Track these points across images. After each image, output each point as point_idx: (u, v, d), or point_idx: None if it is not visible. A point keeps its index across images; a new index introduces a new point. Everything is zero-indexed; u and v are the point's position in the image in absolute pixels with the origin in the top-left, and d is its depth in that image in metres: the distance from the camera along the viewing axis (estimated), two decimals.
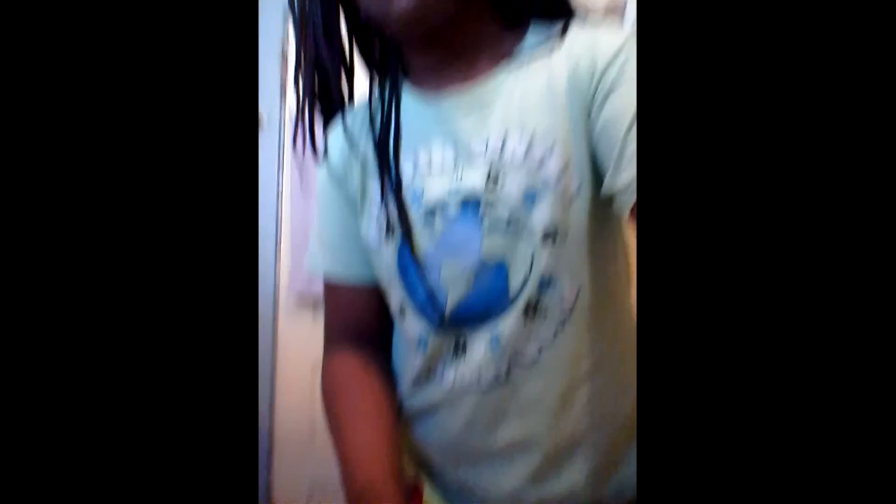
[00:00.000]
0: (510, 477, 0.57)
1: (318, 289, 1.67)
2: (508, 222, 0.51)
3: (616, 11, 1.26)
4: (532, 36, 0.54)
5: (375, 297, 0.61)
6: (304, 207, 1.51)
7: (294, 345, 1.56)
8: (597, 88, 0.48)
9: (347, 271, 0.61)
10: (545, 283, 0.52)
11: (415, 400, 0.60)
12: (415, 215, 0.54)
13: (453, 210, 0.53)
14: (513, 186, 0.51)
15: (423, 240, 0.54)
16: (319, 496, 1.53)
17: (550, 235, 0.51)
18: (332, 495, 1.70)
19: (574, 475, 0.57)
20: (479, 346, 0.54)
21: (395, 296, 0.58)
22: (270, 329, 1.55)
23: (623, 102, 0.46)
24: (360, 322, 0.62)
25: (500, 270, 0.53)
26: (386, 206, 0.55)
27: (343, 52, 0.58)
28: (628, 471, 0.59)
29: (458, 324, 0.55)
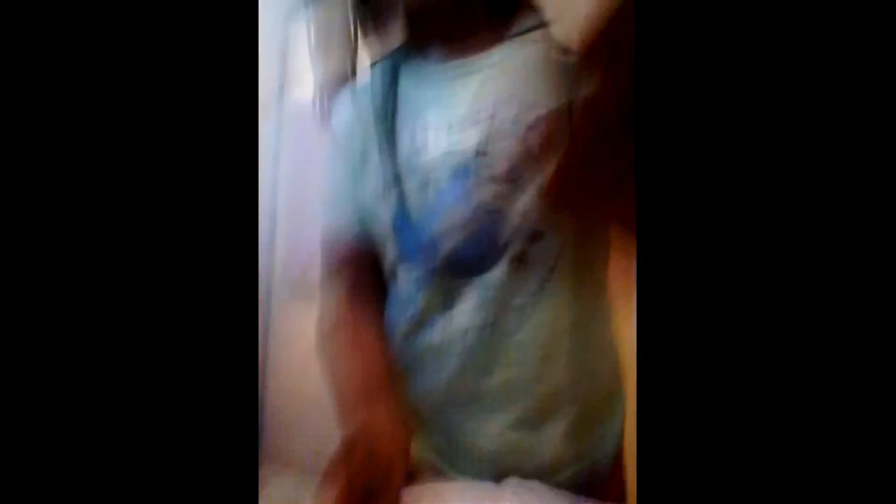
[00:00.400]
0: (495, 424, 0.61)
1: (313, 277, 1.66)
2: (499, 181, 0.57)
3: None
4: (523, 18, 0.60)
5: (373, 251, 0.65)
6: (300, 195, 1.52)
7: (287, 333, 1.57)
8: (577, 63, 0.53)
9: (346, 225, 0.65)
10: (534, 237, 0.57)
11: (408, 349, 0.64)
12: (412, 174, 0.59)
13: (448, 170, 0.58)
14: (504, 150, 0.56)
15: (419, 196, 0.59)
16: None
17: (540, 193, 0.56)
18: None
19: (556, 427, 0.61)
20: (470, 294, 0.59)
21: (391, 250, 0.62)
22: (265, 317, 1.56)
23: None
24: (357, 275, 0.66)
25: (491, 222, 0.57)
26: (384, 165, 0.60)
27: (352, 24, 0.65)
28: (606, 429, 0.64)
29: (449, 273, 0.59)
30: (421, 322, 0.62)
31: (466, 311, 0.59)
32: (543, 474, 0.60)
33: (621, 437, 0.66)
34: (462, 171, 0.57)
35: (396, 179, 0.59)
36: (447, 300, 0.60)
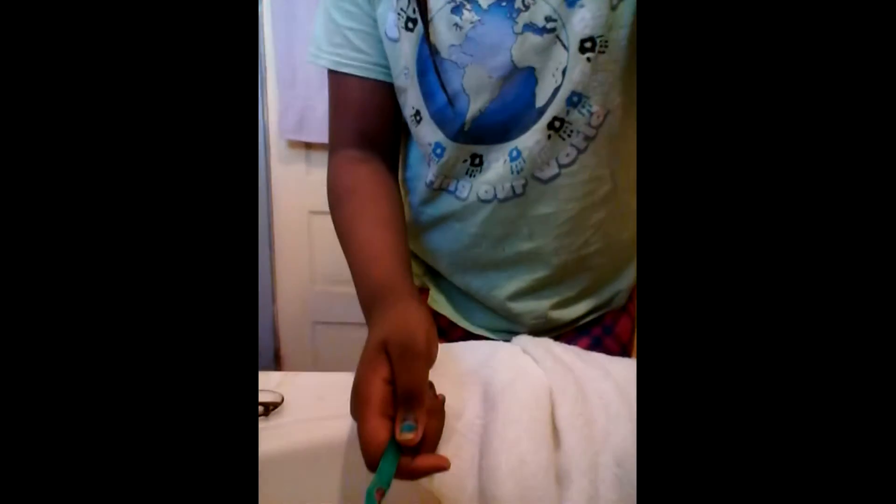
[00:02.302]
0: (513, 285, 0.59)
1: (309, 134, 1.61)
2: (546, 24, 0.47)
3: None
4: None
5: (388, 95, 0.55)
6: (288, 44, 1.40)
7: (288, 192, 1.55)
8: None
9: (358, 61, 0.54)
10: (575, 100, 0.49)
11: (426, 211, 0.59)
12: (441, 4, 0.48)
13: (485, 2, 0.47)
14: None
15: (448, 35, 0.48)
16: (322, 335, 1.64)
17: (589, 45, 0.47)
18: (334, 333, 1.80)
19: (572, 289, 0.60)
20: (498, 160, 0.52)
21: (412, 98, 0.53)
22: (264, 177, 1.52)
23: None
24: (369, 122, 0.56)
25: (528, 79, 0.49)
26: None
27: None
28: (622, 284, 0.62)
29: (477, 135, 0.52)
30: (440, 188, 0.56)
31: (491, 180, 0.53)
32: (559, 327, 0.61)
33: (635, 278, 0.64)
34: (503, 10, 0.47)
35: (423, 11, 0.48)
36: (471, 167, 0.53)
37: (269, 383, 0.54)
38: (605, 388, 0.44)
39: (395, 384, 0.36)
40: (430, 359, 0.37)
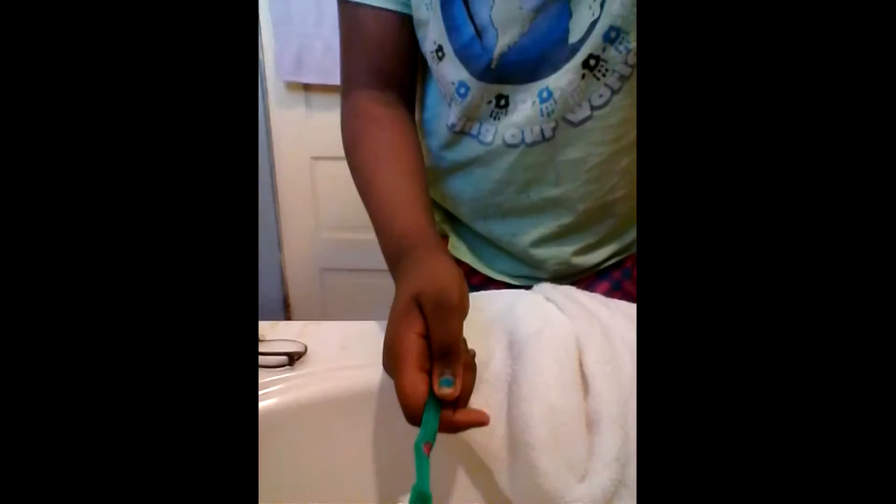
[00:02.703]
0: (537, 232, 0.58)
1: (307, 75, 1.54)
2: None
3: None
4: None
5: (406, 28, 0.52)
6: None
7: (289, 138, 1.51)
8: None
9: None
10: (612, 36, 0.46)
11: (447, 156, 0.57)
12: None
13: None
14: None
15: None
16: (329, 282, 1.65)
17: None
18: (341, 279, 1.80)
19: (596, 235, 0.59)
20: (525, 102, 0.50)
21: (434, 32, 0.49)
22: (263, 122, 1.49)
23: None
24: (386, 59, 0.53)
25: (562, 12, 0.46)
26: None
27: None
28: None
29: (504, 73, 0.49)
30: (462, 131, 0.54)
31: (519, 122, 0.50)
32: (580, 272, 0.61)
33: None
34: None
35: None
36: (496, 109, 0.51)
37: (291, 333, 0.55)
38: (631, 334, 0.44)
39: (430, 339, 0.36)
40: (464, 312, 0.37)
